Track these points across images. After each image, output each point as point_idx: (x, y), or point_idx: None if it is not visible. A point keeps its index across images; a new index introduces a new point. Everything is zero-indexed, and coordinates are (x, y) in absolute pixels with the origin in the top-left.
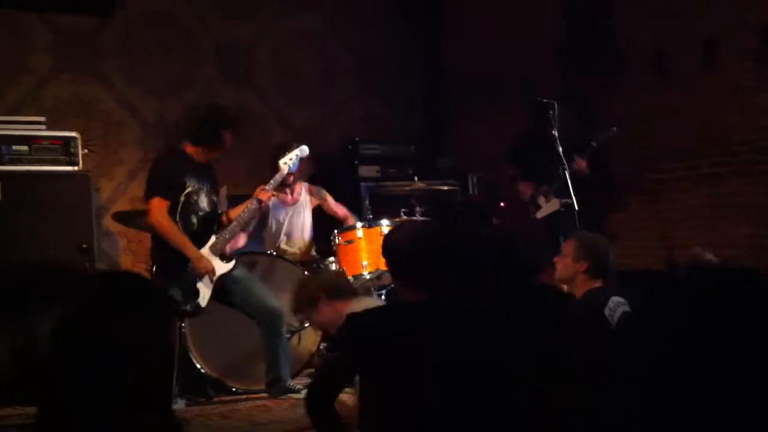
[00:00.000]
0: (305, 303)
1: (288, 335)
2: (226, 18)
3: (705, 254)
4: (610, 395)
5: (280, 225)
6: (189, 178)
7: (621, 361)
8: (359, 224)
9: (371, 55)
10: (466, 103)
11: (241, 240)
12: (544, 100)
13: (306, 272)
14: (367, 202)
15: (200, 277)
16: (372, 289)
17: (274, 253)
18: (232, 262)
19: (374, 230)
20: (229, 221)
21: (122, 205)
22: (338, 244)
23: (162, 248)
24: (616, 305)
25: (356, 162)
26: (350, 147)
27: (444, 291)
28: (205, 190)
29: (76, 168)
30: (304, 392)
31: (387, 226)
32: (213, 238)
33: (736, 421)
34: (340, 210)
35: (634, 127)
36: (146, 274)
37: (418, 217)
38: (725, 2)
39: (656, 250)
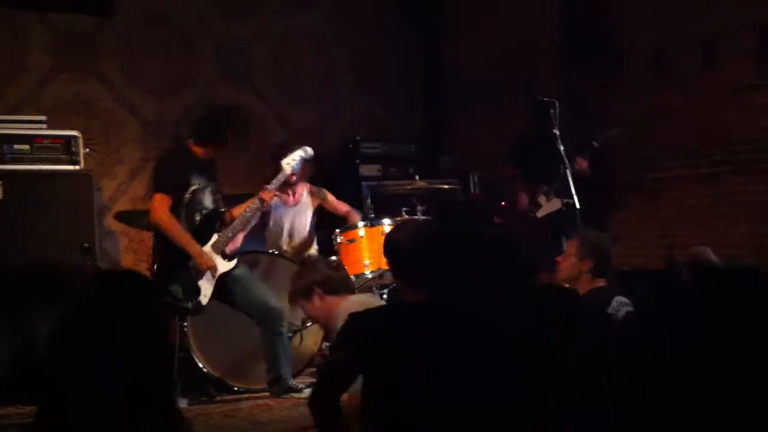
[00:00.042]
0: (300, 293)
1: (290, 334)
2: (226, 18)
3: (707, 253)
4: (610, 395)
5: (281, 226)
6: (194, 176)
7: (622, 360)
8: (361, 223)
9: (371, 55)
10: (466, 103)
11: (239, 239)
12: (546, 99)
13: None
14: (368, 201)
15: (201, 274)
16: (374, 288)
17: (276, 252)
18: (234, 261)
19: (376, 229)
20: (232, 219)
21: (123, 205)
22: (340, 243)
23: (164, 246)
24: (620, 305)
25: (357, 161)
26: (351, 146)
27: (445, 290)
28: (209, 188)
29: (77, 167)
30: (306, 391)
31: (388, 225)
32: (215, 237)
33: (736, 421)
34: (342, 207)
35: (634, 127)
36: (147, 273)
37: (419, 216)
38: (725, 2)
39: (656, 249)
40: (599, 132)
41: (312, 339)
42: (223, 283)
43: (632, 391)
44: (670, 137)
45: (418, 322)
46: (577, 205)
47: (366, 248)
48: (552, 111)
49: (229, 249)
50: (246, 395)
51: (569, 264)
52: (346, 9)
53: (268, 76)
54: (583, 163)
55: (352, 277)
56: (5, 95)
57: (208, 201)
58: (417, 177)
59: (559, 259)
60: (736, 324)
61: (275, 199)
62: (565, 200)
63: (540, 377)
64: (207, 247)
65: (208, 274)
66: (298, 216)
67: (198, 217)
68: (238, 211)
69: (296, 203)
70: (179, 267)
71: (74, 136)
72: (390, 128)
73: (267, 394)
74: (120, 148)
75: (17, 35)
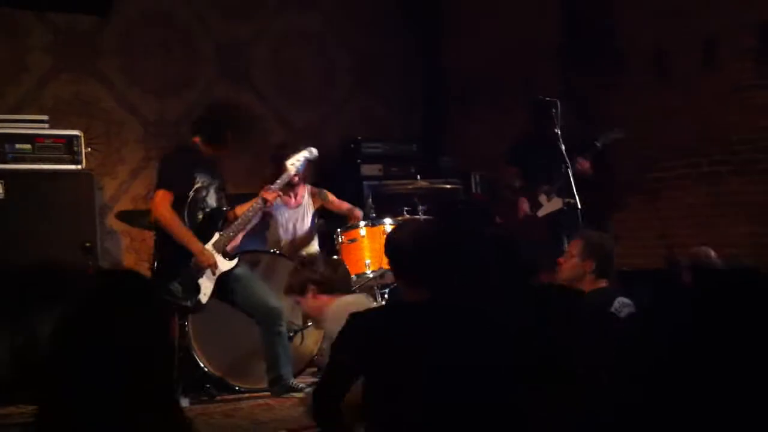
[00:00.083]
0: (295, 289)
1: (291, 334)
2: (226, 18)
3: (709, 253)
4: (611, 395)
5: (282, 227)
6: (198, 174)
7: (623, 360)
8: (362, 223)
9: (371, 55)
10: (466, 103)
11: (238, 238)
12: (547, 99)
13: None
14: (369, 200)
15: (202, 272)
16: (375, 287)
17: (277, 252)
18: (235, 260)
19: (377, 229)
20: (235, 218)
21: (125, 204)
22: (341, 243)
23: (165, 243)
24: (622, 306)
25: (359, 161)
26: (353, 146)
27: (446, 290)
28: (213, 186)
29: (79, 166)
30: (306, 391)
31: (390, 224)
32: (216, 235)
33: (736, 420)
34: (344, 205)
35: (634, 127)
36: (149, 273)
37: (420, 216)
38: (725, 2)
39: (656, 249)
40: (600, 132)
41: (313, 339)
42: (224, 282)
43: (633, 391)
44: (670, 137)
45: (419, 322)
46: (579, 205)
47: (367, 248)
48: (554, 111)
49: (229, 248)
50: (247, 395)
51: (572, 264)
52: (346, 9)
53: (268, 76)
54: (585, 164)
55: (353, 276)
56: (5, 95)
57: (211, 199)
58: (418, 177)
59: (561, 260)
60: (736, 324)
61: (277, 200)
62: (567, 200)
63: (540, 377)
64: (208, 246)
65: (209, 272)
66: (300, 218)
67: (200, 215)
68: (241, 210)
69: (297, 205)
70: (180, 265)
71: (76, 136)
72: (390, 128)
73: (268, 393)
74: (121, 148)
75: (17, 35)
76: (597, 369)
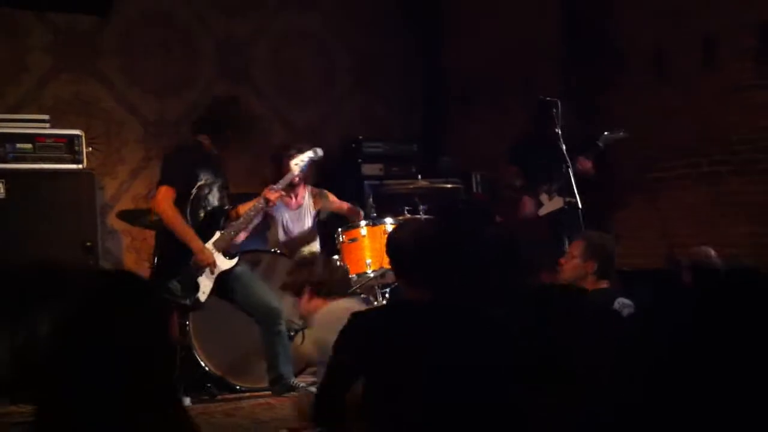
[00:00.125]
0: (292, 288)
1: (291, 333)
2: (226, 17)
3: (709, 253)
4: (611, 395)
5: (283, 228)
6: (203, 172)
7: (623, 360)
8: (363, 222)
9: (371, 55)
10: (466, 103)
11: (240, 237)
12: (548, 98)
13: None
14: (370, 200)
15: (202, 271)
16: (376, 287)
17: (278, 252)
18: (235, 259)
19: (378, 228)
20: (238, 217)
21: (125, 204)
22: (342, 243)
23: (165, 241)
24: (622, 306)
25: (359, 160)
26: (353, 145)
27: (447, 289)
28: (216, 184)
29: (80, 166)
30: (308, 390)
31: (390, 224)
32: (217, 234)
33: (736, 420)
34: (344, 205)
35: (634, 127)
36: (149, 271)
37: (421, 216)
38: (725, 2)
39: (657, 249)
40: (601, 132)
41: (313, 338)
42: (224, 281)
43: (633, 391)
44: (670, 137)
45: (419, 322)
46: (579, 205)
47: (368, 247)
48: (554, 110)
49: (231, 245)
50: (247, 394)
51: (573, 265)
52: (346, 9)
53: (268, 75)
54: (587, 164)
55: (353, 276)
56: (5, 95)
57: (213, 198)
58: (419, 176)
59: (562, 260)
60: (736, 324)
61: (278, 200)
62: (567, 199)
63: (540, 377)
64: (209, 244)
65: (208, 270)
66: (300, 219)
67: (202, 214)
68: (244, 209)
69: (298, 206)
70: (180, 263)
71: (77, 136)
72: (390, 128)
73: (269, 393)
74: (121, 148)
75: (17, 35)
76: (597, 369)
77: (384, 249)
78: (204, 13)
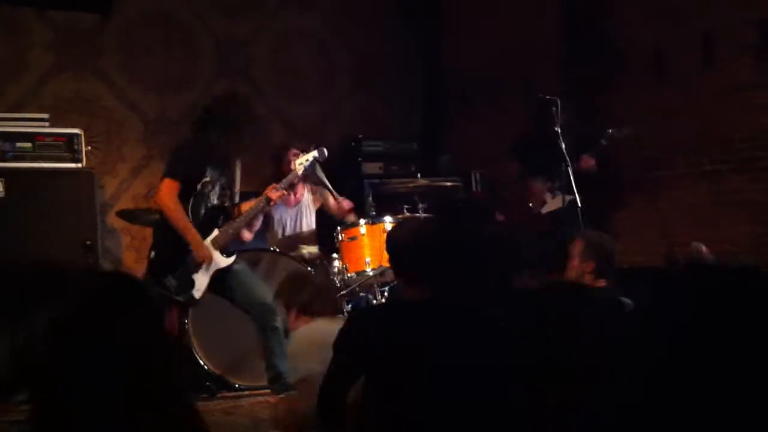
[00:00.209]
0: (282, 303)
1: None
2: (226, 17)
3: (700, 248)
4: (611, 395)
5: (283, 225)
6: (209, 168)
7: (623, 360)
8: (362, 221)
9: (371, 55)
10: (466, 103)
11: (247, 235)
12: (547, 97)
13: (309, 269)
14: (370, 198)
15: (198, 267)
16: (375, 285)
17: (277, 250)
18: (233, 257)
19: (377, 227)
20: (240, 215)
21: (125, 203)
22: (341, 241)
23: (162, 236)
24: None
25: (359, 159)
26: (353, 144)
27: (446, 288)
28: (220, 182)
29: (79, 165)
30: None
31: (390, 222)
32: (216, 232)
33: (736, 420)
34: (345, 203)
35: (634, 126)
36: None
37: (420, 214)
38: (724, 1)
39: (657, 248)
40: (605, 130)
41: None
42: (222, 279)
43: (633, 391)
44: (670, 136)
45: (419, 321)
46: (579, 203)
47: (367, 246)
48: (554, 109)
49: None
50: (247, 392)
51: (572, 265)
52: (346, 9)
53: (269, 75)
54: (590, 161)
55: (353, 274)
56: (6, 93)
57: (214, 196)
58: (419, 175)
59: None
60: (737, 323)
61: None
62: (567, 198)
63: (540, 377)
64: (207, 241)
65: (204, 267)
66: (300, 216)
67: (203, 211)
68: (246, 206)
69: (297, 203)
70: (176, 258)
71: (76, 134)
72: (390, 128)
73: (268, 391)
74: (122, 146)
75: (18, 33)
76: (597, 369)
77: (383, 247)
78: (204, 13)
